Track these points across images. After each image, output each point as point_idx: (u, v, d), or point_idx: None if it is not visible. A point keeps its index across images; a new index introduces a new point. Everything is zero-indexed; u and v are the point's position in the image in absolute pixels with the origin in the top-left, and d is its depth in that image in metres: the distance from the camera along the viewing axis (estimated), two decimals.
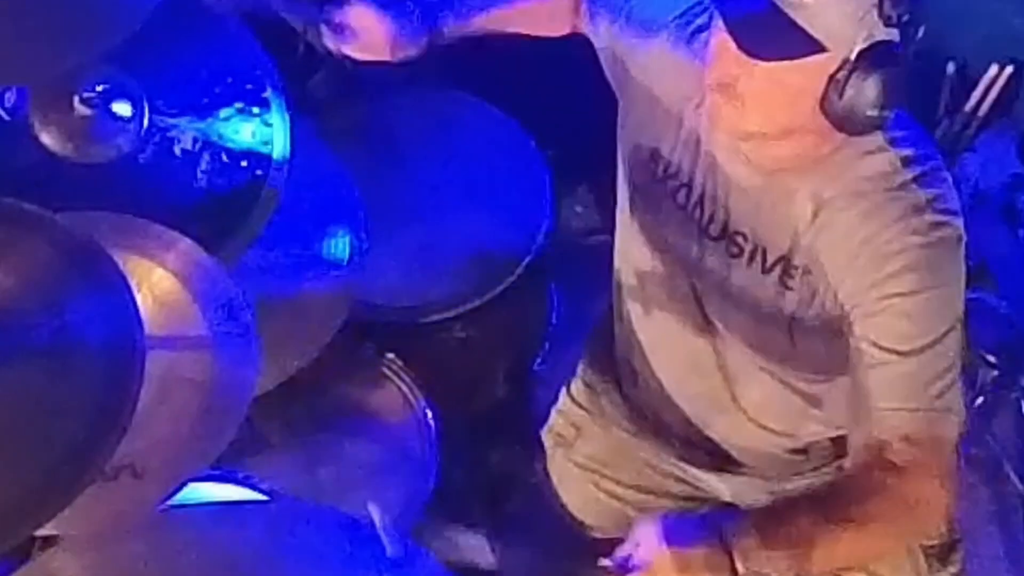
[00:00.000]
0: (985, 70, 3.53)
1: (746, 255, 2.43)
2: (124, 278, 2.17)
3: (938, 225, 2.27)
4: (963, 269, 2.31)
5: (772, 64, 2.15)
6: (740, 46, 2.14)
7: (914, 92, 2.21)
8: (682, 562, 2.13)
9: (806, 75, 2.16)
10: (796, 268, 2.37)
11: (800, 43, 2.12)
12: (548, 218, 3.27)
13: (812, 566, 2.18)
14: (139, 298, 2.19)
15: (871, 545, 2.29)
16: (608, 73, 2.64)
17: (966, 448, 3.55)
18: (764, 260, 2.41)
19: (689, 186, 2.48)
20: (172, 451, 2.26)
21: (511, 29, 2.83)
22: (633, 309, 2.69)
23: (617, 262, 2.73)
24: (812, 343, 2.44)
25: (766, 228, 2.40)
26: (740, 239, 2.43)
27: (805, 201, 2.33)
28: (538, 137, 3.31)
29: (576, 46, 2.80)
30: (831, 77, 2.15)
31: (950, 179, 2.36)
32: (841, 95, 2.16)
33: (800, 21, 2.11)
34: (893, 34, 2.14)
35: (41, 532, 2.07)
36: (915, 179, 2.29)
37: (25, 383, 2.06)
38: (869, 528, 2.21)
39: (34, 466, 1.99)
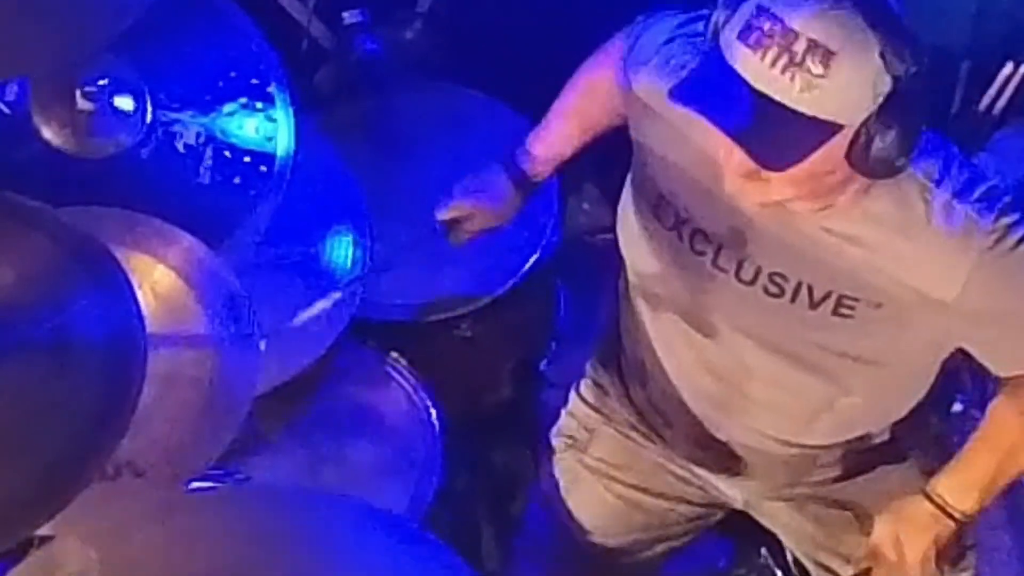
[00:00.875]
0: (1000, 68, 3.53)
1: (788, 294, 2.42)
2: (126, 275, 2.16)
3: (999, 230, 2.30)
4: None
5: None
6: (757, 162, 2.15)
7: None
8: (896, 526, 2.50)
9: (828, 148, 2.15)
10: (856, 301, 2.38)
11: (816, 132, 2.13)
12: (555, 216, 3.27)
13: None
14: (140, 295, 2.19)
15: None
16: (629, 116, 2.63)
17: None
18: (811, 296, 2.40)
19: (705, 233, 2.46)
20: (173, 450, 2.26)
21: (587, 137, 2.87)
22: (641, 307, 2.68)
23: (624, 257, 2.72)
24: (860, 355, 2.46)
25: (806, 267, 2.39)
26: (779, 280, 2.42)
27: (842, 239, 2.34)
28: None
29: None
30: (853, 139, 2.15)
31: (976, 169, 2.38)
32: (868, 153, 2.16)
33: (811, 112, 2.11)
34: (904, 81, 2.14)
35: (40, 531, 2.07)
36: (954, 196, 2.30)
37: (25, 380, 2.05)
38: None
39: (34, 464, 1.99)
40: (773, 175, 2.20)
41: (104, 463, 2.04)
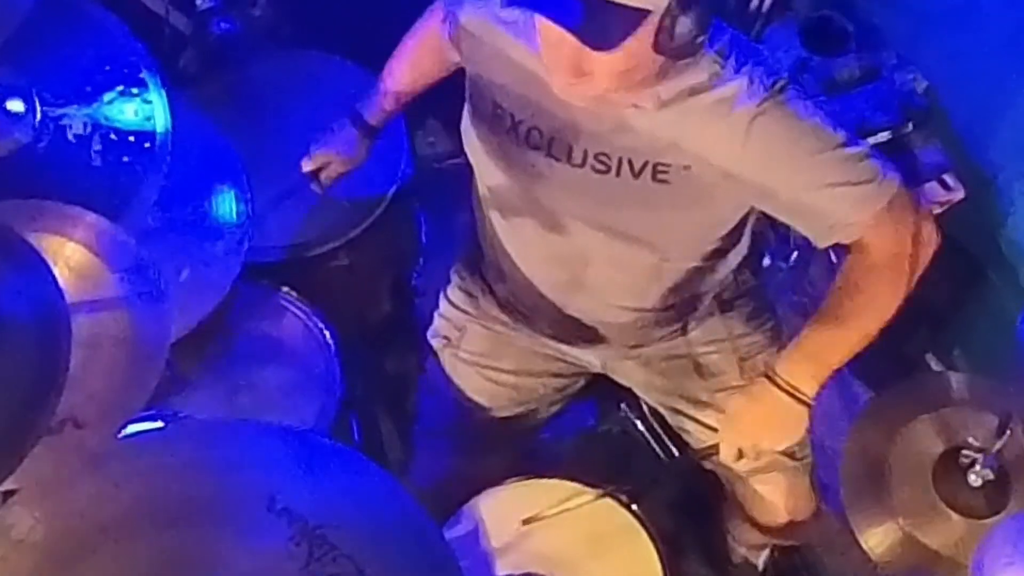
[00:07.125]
0: None
1: (613, 170, 2.45)
2: (41, 256, 2.15)
3: (773, 94, 2.34)
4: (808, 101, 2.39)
5: None
6: (590, 46, 2.16)
7: None
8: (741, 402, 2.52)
9: (638, 37, 2.18)
10: (668, 166, 2.40)
11: (631, 19, 2.15)
12: (406, 151, 3.27)
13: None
14: (56, 271, 2.17)
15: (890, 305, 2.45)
16: (461, 50, 2.62)
17: (789, 295, 3.64)
18: (632, 168, 2.43)
19: (539, 129, 2.49)
20: (107, 400, 2.25)
21: (422, 87, 2.91)
22: (494, 216, 2.71)
23: (474, 174, 2.73)
24: (680, 218, 2.49)
25: (624, 143, 2.42)
26: (604, 158, 2.45)
27: (649, 113, 2.37)
28: None
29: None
30: (659, 26, 2.18)
31: (754, 46, 2.44)
32: (672, 37, 2.19)
33: (624, 0, 2.13)
34: None
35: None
36: (736, 71, 2.35)
37: None
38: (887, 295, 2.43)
39: None
40: (595, 71, 2.23)
41: (47, 422, 2.02)
